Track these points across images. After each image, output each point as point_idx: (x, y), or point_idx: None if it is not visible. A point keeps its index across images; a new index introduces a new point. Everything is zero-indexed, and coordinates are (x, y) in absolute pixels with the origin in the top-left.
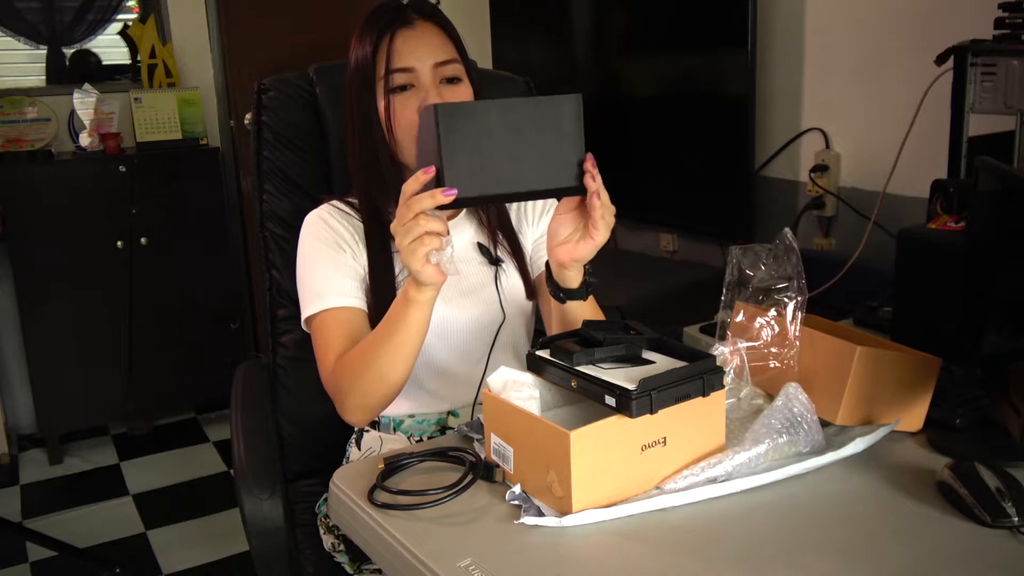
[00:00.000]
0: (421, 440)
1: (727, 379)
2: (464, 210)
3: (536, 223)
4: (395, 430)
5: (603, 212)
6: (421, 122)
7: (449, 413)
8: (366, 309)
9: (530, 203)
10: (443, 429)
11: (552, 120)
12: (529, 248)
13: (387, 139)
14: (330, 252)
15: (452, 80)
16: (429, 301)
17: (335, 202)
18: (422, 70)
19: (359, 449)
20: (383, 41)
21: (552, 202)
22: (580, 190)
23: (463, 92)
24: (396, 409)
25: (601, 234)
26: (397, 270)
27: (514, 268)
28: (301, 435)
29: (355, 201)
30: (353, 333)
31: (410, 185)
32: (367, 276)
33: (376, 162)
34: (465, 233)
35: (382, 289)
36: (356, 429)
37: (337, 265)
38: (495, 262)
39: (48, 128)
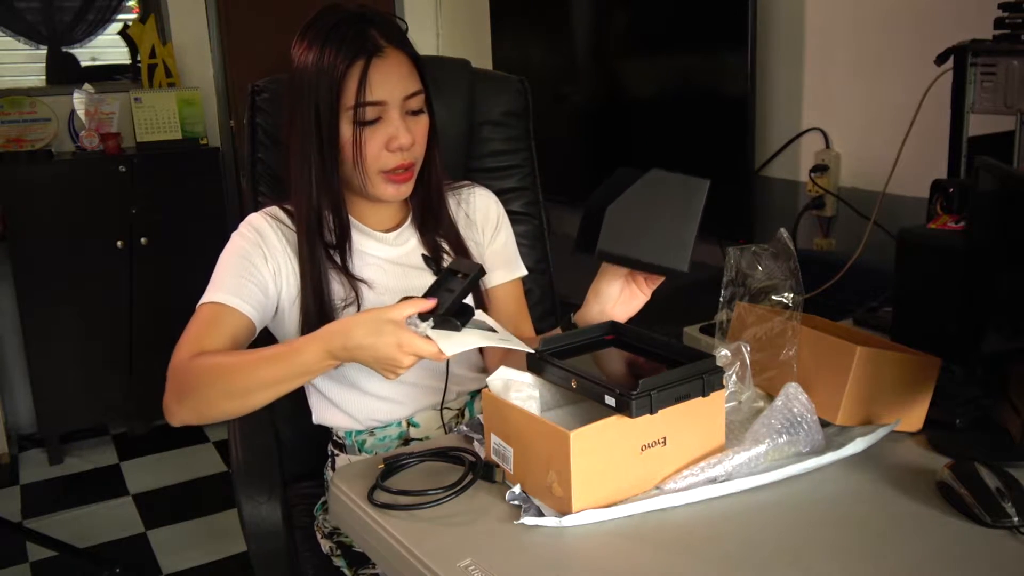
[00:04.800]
0: None
1: (729, 382)
2: (408, 219)
3: (490, 237)
4: (360, 450)
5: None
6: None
7: (409, 424)
8: (254, 323)
9: (482, 217)
10: (406, 441)
11: (681, 200)
12: (479, 259)
13: (350, 166)
14: (246, 254)
15: (417, 112)
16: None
17: (275, 209)
18: (392, 103)
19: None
20: (353, 69)
21: (505, 219)
22: (684, 273)
23: (424, 123)
24: (353, 421)
25: (650, 292)
26: (334, 290)
27: None
28: (299, 437)
29: (291, 208)
30: (229, 336)
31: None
32: (283, 290)
33: (331, 179)
34: (408, 243)
35: (312, 301)
36: (330, 452)
37: (246, 269)
38: (439, 273)
39: (48, 128)
